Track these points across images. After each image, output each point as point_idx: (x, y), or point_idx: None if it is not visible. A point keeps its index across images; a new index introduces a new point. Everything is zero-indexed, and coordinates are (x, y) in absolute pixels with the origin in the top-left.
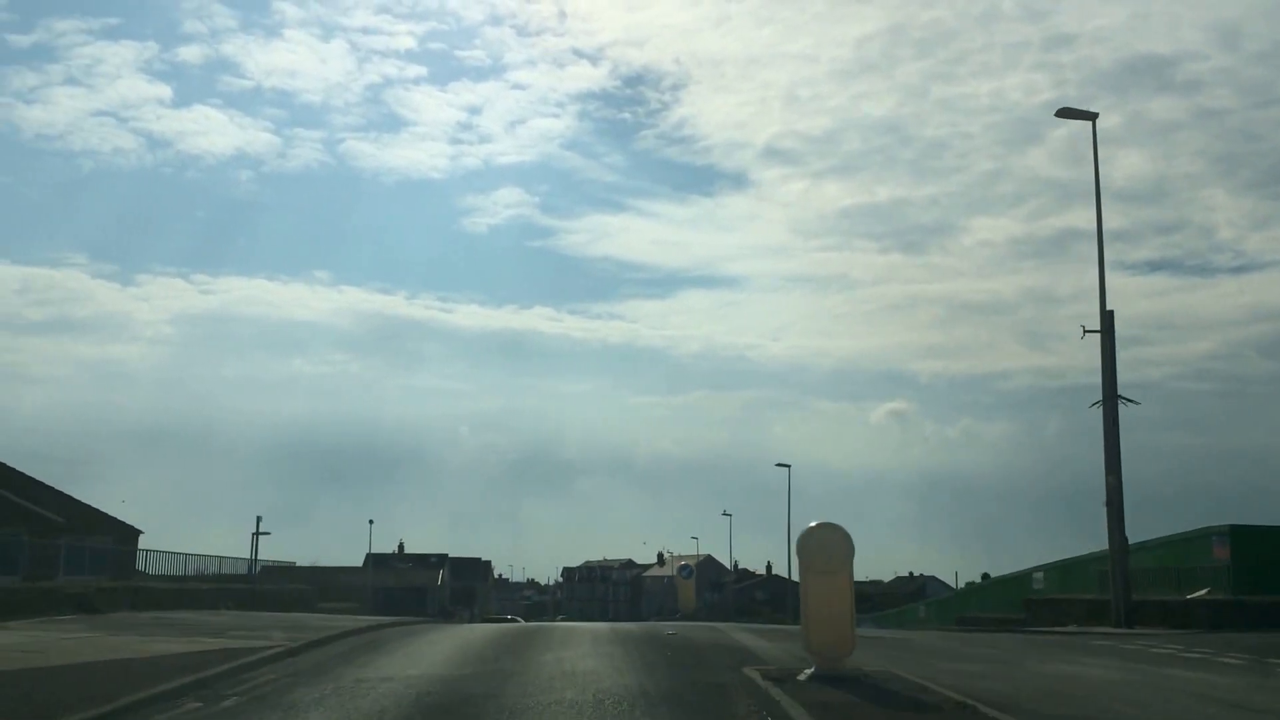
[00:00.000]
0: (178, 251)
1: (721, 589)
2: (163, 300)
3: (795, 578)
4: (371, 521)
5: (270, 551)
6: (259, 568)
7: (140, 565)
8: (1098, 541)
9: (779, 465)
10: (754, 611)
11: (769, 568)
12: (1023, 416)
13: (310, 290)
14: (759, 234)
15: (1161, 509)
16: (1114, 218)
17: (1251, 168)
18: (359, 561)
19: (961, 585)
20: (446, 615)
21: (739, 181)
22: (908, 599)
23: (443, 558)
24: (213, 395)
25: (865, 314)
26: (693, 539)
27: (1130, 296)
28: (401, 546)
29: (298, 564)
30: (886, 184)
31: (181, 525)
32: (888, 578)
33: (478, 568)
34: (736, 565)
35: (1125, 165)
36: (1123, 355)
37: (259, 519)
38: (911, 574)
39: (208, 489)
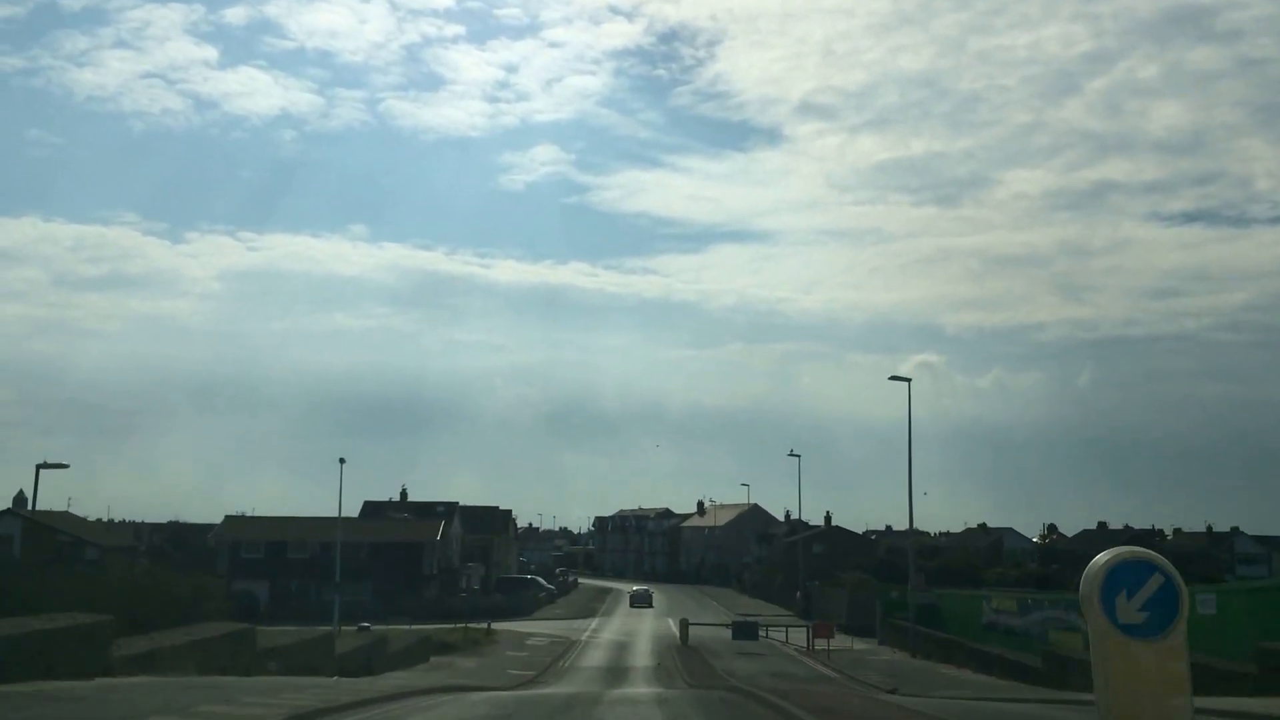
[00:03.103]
0: (225, 209)
1: (771, 542)
2: (211, 257)
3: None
4: (342, 460)
5: (288, 502)
6: (223, 518)
7: None
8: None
9: (894, 378)
10: (823, 572)
11: (828, 518)
12: (1056, 368)
13: (352, 246)
14: (793, 189)
15: (1198, 459)
16: (1150, 169)
17: None
18: (357, 511)
19: (1035, 539)
20: (453, 576)
21: (773, 137)
22: (985, 554)
23: (452, 506)
24: (260, 349)
25: (899, 267)
26: (743, 486)
27: (1166, 247)
28: (404, 494)
29: (270, 515)
30: (922, 137)
31: (233, 475)
32: (956, 528)
33: (495, 518)
34: (789, 515)
35: (1162, 116)
36: (1157, 306)
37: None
38: (984, 525)
39: (259, 440)
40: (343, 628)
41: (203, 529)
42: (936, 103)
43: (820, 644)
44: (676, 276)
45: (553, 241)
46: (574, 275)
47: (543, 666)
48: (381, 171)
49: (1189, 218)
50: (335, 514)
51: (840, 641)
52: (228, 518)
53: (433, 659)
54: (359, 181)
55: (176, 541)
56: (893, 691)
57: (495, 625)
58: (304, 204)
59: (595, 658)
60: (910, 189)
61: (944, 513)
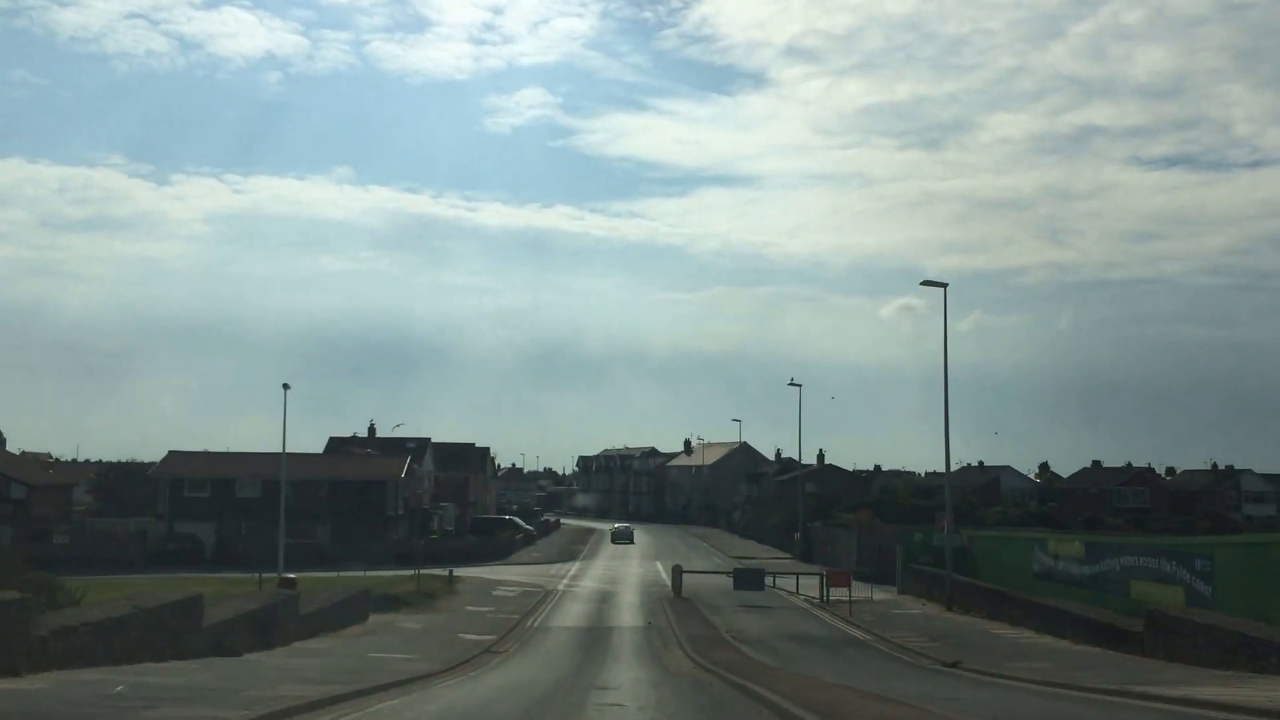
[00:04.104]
0: (211, 152)
1: (760, 481)
2: (197, 199)
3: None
4: (287, 386)
5: (266, 443)
6: (166, 453)
7: None
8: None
9: (926, 283)
10: (818, 512)
11: (821, 457)
12: (1037, 311)
13: (339, 189)
14: (778, 132)
15: (1177, 402)
16: (1132, 113)
17: (1273, 62)
18: (320, 447)
19: (1033, 477)
20: (423, 517)
21: (759, 81)
22: (982, 493)
23: (423, 443)
24: (246, 292)
25: (883, 210)
26: (734, 421)
27: (1147, 191)
28: (372, 429)
29: (218, 450)
30: (907, 81)
31: (216, 417)
32: (969, 460)
33: (471, 455)
34: (780, 454)
35: (1145, 60)
36: (1138, 249)
37: None
38: (981, 464)
39: (241, 382)
40: (264, 577)
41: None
42: (921, 46)
43: (836, 594)
44: (662, 220)
45: (538, 185)
46: (559, 219)
47: (505, 628)
48: (367, 114)
49: (1170, 162)
50: (294, 449)
51: (856, 591)
52: (171, 453)
53: (372, 618)
54: (345, 124)
55: (127, 480)
56: (955, 665)
57: (466, 571)
58: (290, 147)
59: (572, 614)
60: (895, 133)
61: (932, 454)
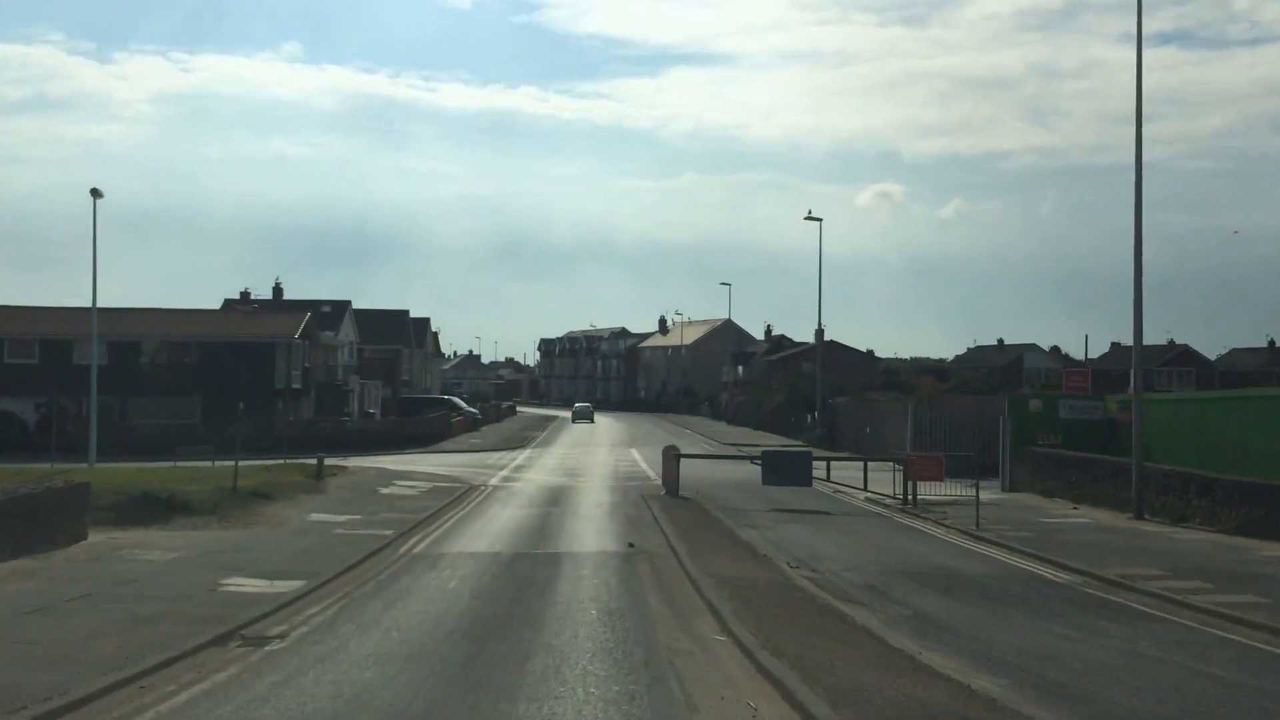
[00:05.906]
0: (155, 27)
1: (748, 362)
2: (141, 79)
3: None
4: (96, 193)
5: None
6: None
7: None
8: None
9: None
10: (840, 392)
11: (820, 333)
12: (1021, 196)
13: (290, 68)
14: (754, 7)
15: (1168, 291)
16: None
17: None
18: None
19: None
20: (336, 394)
21: None
22: (1004, 375)
23: (341, 306)
24: (195, 176)
25: (862, 90)
26: (723, 284)
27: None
28: (278, 289)
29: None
30: None
31: (154, 301)
32: (959, 349)
33: (404, 326)
34: (770, 331)
35: None
36: (1128, 132)
37: None
38: (1001, 342)
39: (185, 268)
40: None
41: None
42: None
43: (924, 492)
44: (631, 102)
45: (502, 64)
46: (524, 100)
47: (347, 561)
48: None
49: (1165, 39)
50: (187, 305)
51: (946, 487)
52: None
53: (94, 537)
54: None
55: None
56: None
57: (368, 460)
58: (238, 22)
59: (493, 528)
60: (876, 8)
61: (922, 340)
